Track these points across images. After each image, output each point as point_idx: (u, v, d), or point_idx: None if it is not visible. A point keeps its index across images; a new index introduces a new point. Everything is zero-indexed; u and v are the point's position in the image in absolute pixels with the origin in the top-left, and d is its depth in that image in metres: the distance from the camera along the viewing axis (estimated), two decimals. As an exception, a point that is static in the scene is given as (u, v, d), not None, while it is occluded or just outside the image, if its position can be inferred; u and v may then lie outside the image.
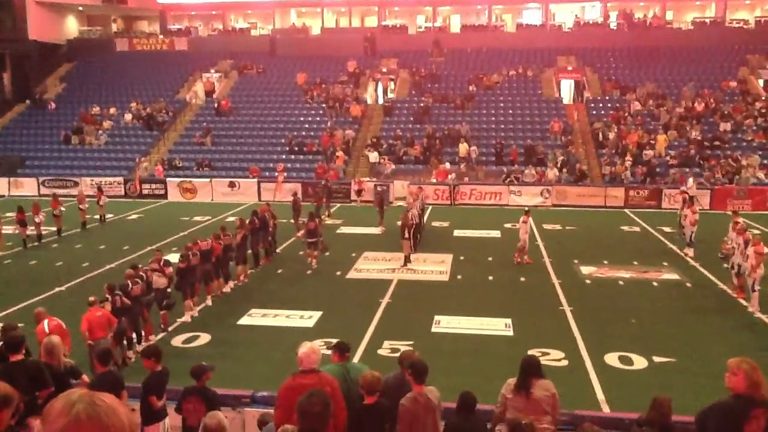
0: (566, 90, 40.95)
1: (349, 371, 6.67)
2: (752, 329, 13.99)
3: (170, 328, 13.73)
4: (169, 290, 13.81)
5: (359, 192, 30.39)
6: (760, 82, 37.36)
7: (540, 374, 6.65)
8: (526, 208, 21.60)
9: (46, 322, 9.76)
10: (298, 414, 4.20)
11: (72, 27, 48.06)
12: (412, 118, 36.66)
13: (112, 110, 38.85)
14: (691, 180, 28.71)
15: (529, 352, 12.28)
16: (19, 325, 12.75)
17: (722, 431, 4.45)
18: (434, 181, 31.20)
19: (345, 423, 5.89)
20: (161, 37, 47.98)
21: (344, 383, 6.22)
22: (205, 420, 4.69)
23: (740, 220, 18.05)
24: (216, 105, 38.60)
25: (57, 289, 16.56)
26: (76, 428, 1.79)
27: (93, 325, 10.92)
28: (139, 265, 13.94)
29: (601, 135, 33.49)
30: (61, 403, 1.83)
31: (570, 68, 40.72)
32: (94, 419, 1.81)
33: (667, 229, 23.56)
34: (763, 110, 34.03)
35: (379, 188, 29.99)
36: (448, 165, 32.01)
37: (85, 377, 7.27)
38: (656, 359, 12.07)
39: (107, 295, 11.66)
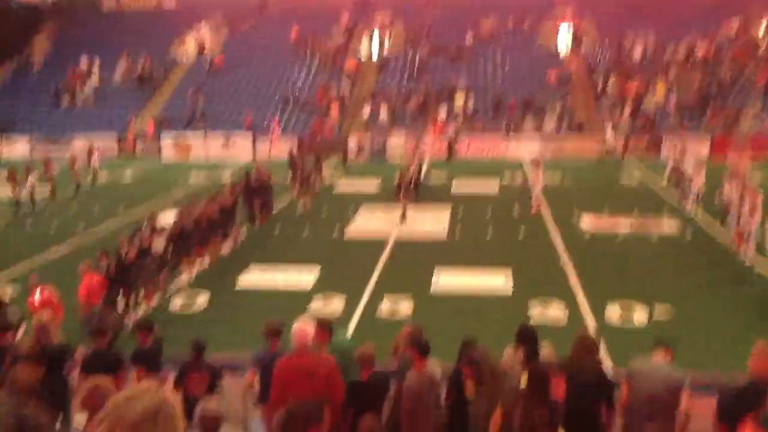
0: (564, 39, 40.13)
1: (341, 350, 6.54)
2: (749, 280, 13.95)
3: (168, 291, 13.62)
4: (168, 253, 13.66)
5: (360, 149, 29.97)
6: (761, 29, 36.60)
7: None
8: (536, 161, 21.47)
9: (37, 292, 9.61)
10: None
11: (57, -14, 46.72)
12: (407, 72, 36.04)
13: (98, 67, 38.01)
14: (609, 125, 29.18)
15: (529, 308, 12.36)
16: (15, 289, 12.75)
17: (735, 416, 4.35)
18: (431, 135, 30.81)
19: (342, 399, 5.82)
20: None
21: (341, 362, 6.10)
22: (199, 411, 4.58)
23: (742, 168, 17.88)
24: (208, 62, 37.88)
25: (53, 251, 16.42)
26: None
27: (90, 292, 10.80)
28: (144, 225, 13.77)
29: (600, 85, 32.99)
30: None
31: (568, 17, 39.85)
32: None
33: (665, 182, 23.37)
34: (765, 58, 33.47)
35: (375, 145, 29.72)
36: (443, 114, 31.61)
37: (80, 351, 7.16)
38: (656, 312, 12.03)
39: (101, 262, 11.50)
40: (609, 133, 28.80)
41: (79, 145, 30.97)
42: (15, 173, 20.99)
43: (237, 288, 13.96)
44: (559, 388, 4.82)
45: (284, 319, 11.65)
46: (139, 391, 2.06)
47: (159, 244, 13.41)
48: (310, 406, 4.12)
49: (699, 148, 27.29)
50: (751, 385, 5.09)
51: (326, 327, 6.75)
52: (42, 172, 22.67)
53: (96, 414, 2.14)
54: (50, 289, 9.91)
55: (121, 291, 12.18)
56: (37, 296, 9.57)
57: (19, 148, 32.65)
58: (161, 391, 2.03)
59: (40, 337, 7.00)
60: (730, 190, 16.45)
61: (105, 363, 6.86)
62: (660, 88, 31.84)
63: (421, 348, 6.13)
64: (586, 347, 6.17)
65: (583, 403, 5.78)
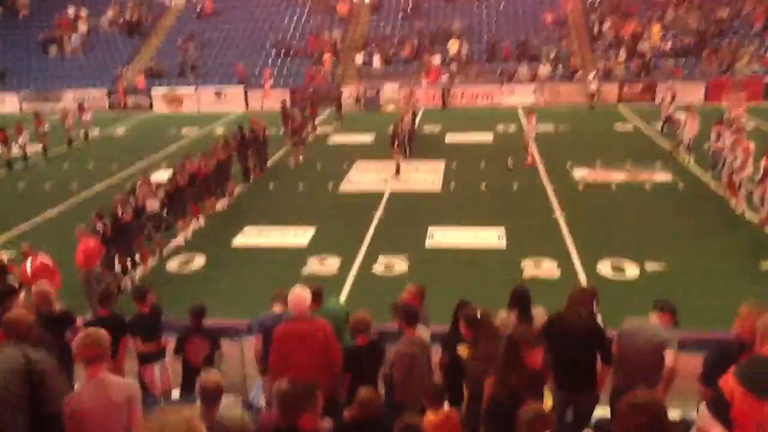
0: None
1: (333, 316, 6.63)
2: (740, 229, 14.11)
3: (165, 252, 13.72)
4: (163, 213, 13.70)
5: (358, 100, 29.65)
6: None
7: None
8: (530, 109, 21.40)
9: (29, 261, 9.63)
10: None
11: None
12: (401, 14, 35.39)
13: (86, 12, 37.18)
14: (592, 74, 28.75)
15: (522, 263, 12.51)
16: (10, 254, 12.81)
17: (715, 372, 4.48)
18: (425, 83, 30.49)
19: (340, 365, 5.94)
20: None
21: (333, 327, 6.20)
22: (200, 381, 4.68)
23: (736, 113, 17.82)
24: (198, 8, 37.08)
25: (47, 213, 16.44)
26: None
27: (88, 255, 10.87)
28: (138, 183, 13.74)
29: (596, 27, 32.48)
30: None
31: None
32: None
33: (660, 126, 23.27)
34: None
35: (368, 93, 29.44)
36: (438, 58, 31.21)
37: (79, 321, 7.24)
38: (648, 266, 12.19)
39: (96, 224, 11.53)
40: (591, 77, 28.52)
41: (69, 99, 30.61)
42: (5, 131, 20.78)
43: (232, 248, 14.04)
44: (535, 357, 4.92)
45: (281, 278, 11.93)
46: (168, 420, 2.16)
47: (154, 204, 13.44)
48: (303, 390, 4.22)
49: (694, 93, 27.15)
50: (734, 347, 5.20)
51: (317, 294, 6.83)
52: (33, 128, 22.49)
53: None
54: (44, 256, 9.93)
55: (117, 252, 12.29)
56: (28, 265, 9.59)
57: (8, 103, 32.19)
58: (190, 419, 2.15)
59: (40, 305, 7.05)
60: (723, 139, 16.40)
61: (109, 329, 6.93)
62: (656, 31, 31.36)
63: (408, 317, 6.24)
64: (578, 301, 6.24)
65: (574, 356, 5.92)
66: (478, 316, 5.98)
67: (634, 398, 3.52)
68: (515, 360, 4.80)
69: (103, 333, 4.57)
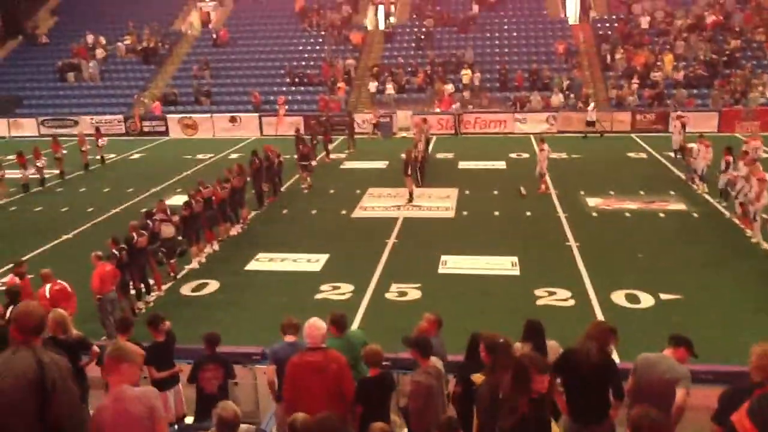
0: (572, 9, 39.66)
1: (353, 345, 6.65)
2: (755, 258, 14.02)
3: (179, 276, 13.80)
4: (179, 238, 13.79)
5: (376, 125, 29.82)
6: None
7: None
8: (541, 137, 21.51)
9: (48, 287, 9.74)
10: None
11: (60, -44, 46.30)
12: (413, 44, 35.79)
13: (104, 40, 37.84)
14: (592, 105, 28.76)
15: (536, 292, 12.47)
16: (27, 277, 12.91)
17: (729, 411, 4.45)
18: (438, 110, 30.70)
19: (353, 396, 5.94)
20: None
21: (351, 356, 6.22)
22: (218, 411, 4.69)
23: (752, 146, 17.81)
24: (213, 36, 37.67)
25: (63, 237, 16.60)
26: None
27: (103, 280, 10.95)
28: (153, 210, 13.84)
29: (608, 57, 32.66)
30: None
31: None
32: None
33: (672, 155, 23.25)
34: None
35: (382, 120, 29.66)
36: (450, 86, 31.45)
37: (96, 348, 7.28)
38: (663, 296, 12.11)
39: (113, 250, 11.64)
40: (591, 108, 28.59)
41: (86, 124, 31.03)
42: (23, 155, 21.08)
43: (246, 273, 14.09)
44: (543, 381, 4.95)
45: (294, 303, 11.94)
46: None
47: (169, 229, 13.55)
48: (335, 423, 4.26)
49: (706, 123, 27.14)
50: (749, 385, 5.16)
51: (340, 321, 6.87)
52: (51, 152, 22.81)
53: None
54: (62, 282, 10.02)
55: (132, 277, 12.37)
56: (47, 290, 9.68)
57: (26, 127, 32.67)
58: None
59: (56, 331, 7.10)
60: (737, 168, 16.37)
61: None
62: (668, 60, 31.48)
63: (422, 349, 6.25)
64: (593, 336, 6.21)
65: (585, 389, 5.90)
66: (499, 342, 5.96)
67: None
68: (524, 383, 4.83)
69: (129, 344, 4.61)
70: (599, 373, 5.93)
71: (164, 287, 13.26)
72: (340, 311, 7.13)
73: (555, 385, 5.94)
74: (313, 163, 21.60)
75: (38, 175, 21.78)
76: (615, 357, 6.63)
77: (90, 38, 37.93)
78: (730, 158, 17.11)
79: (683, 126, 22.49)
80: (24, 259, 14.80)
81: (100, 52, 37.16)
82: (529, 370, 4.87)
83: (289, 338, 6.86)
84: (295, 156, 21.79)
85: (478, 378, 6.09)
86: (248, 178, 17.70)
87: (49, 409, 4.13)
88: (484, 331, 6.58)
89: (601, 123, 28.39)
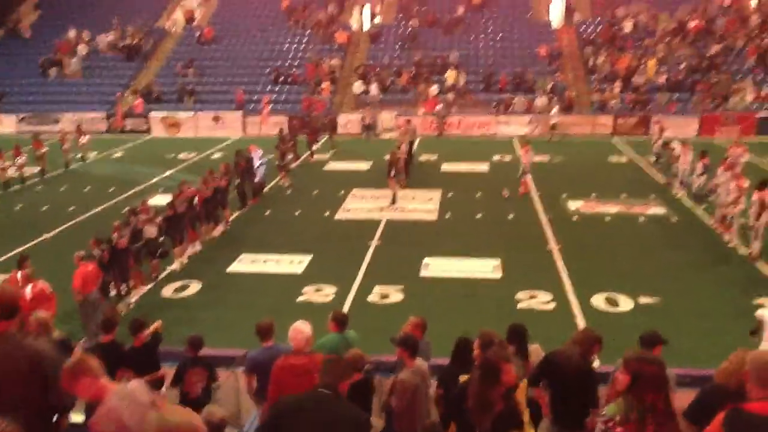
0: (556, 12, 39.85)
1: (348, 342, 6.78)
2: (732, 263, 14.26)
3: (160, 277, 13.74)
4: (161, 239, 13.73)
5: (368, 127, 29.82)
6: (753, 4, 36.41)
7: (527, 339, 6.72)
8: (525, 139, 21.74)
9: (29, 288, 9.67)
10: None
11: (42, -49, 45.83)
12: (399, 44, 35.84)
13: (87, 36, 37.48)
14: (555, 108, 29.14)
15: (517, 295, 12.57)
16: (5, 277, 12.79)
17: (703, 412, 4.52)
18: (422, 111, 30.78)
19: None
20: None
21: (344, 353, 6.28)
22: (205, 416, 4.71)
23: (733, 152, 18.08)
24: (198, 33, 37.46)
25: (44, 236, 16.44)
26: None
27: (86, 280, 10.89)
28: (137, 209, 13.77)
29: (591, 60, 32.92)
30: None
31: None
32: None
33: (653, 159, 23.51)
34: (756, 31, 33.42)
35: (368, 119, 29.71)
36: (435, 87, 31.56)
37: (77, 349, 7.26)
38: (642, 300, 12.27)
39: (94, 250, 11.58)
40: (554, 111, 28.91)
41: (68, 121, 30.75)
42: (2, 153, 20.84)
43: (228, 274, 14.07)
44: (510, 374, 5.03)
45: (277, 305, 11.96)
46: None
47: (152, 230, 13.49)
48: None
49: (687, 127, 27.48)
50: (728, 391, 5.23)
51: (341, 320, 7.06)
52: (31, 150, 22.58)
53: None
54: (43, 282, 9.95)
55: (113, 278, 12.31)
56: (28, 290, 9.61)
57: (5, 124, 32.28)
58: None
59: (41, 334, 7.06)
60: (720, 175, 16.55)
61: (110, 358, 6.93)
62: (651, 65, 31.80)
63: (410, 348, 6.32)
64: (577, 341, 6.29)
65: (565, 393, 6.00)
66: (496, 340, 6.01)
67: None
68: (494, 377, 4.91)
69: (87, 357, 4.48)
70: (579, 379, 6.03)
71: (146, 288, 13.20)
72: (342, 311, 7.30)
73: (541, 386, 6.07)
74: (288, 162, 21.55)
75: (18, 173, 21.54)
76: (596, 363, 6.71)
77: (72, 33, 37.56)
78: (707, 161, 17.39)
79: (661, 130, 22.78)
80: (3, 258, 14.75)
81: (82, 48, 36.81)
82: (498, 363, 4.94)
83: (266, 343, 6.91)
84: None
85: (464, 379, 6.17)
86: (231, 179, 17.63)
87: (50, 395, 4.09)
88: (467, 337, 6.67)
89: (557, 127, 28.57)
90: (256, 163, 19.14)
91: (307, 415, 4.47)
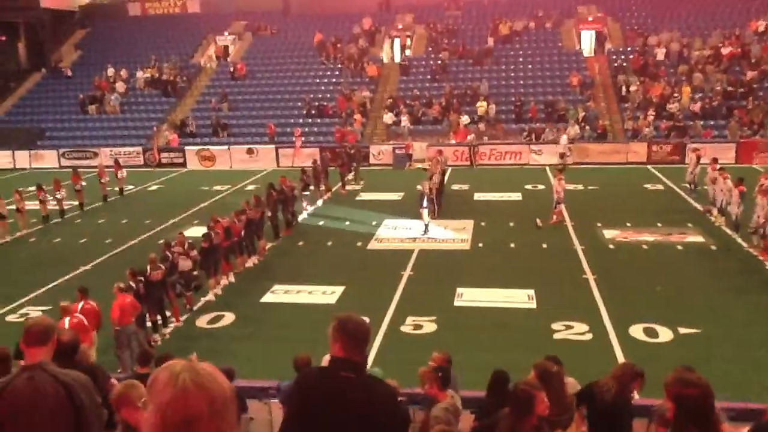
0: (587, 41, 39.90)
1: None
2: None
3: (195, 308, 13.84)
4: (195, 272, 13.86)
5: (410, 156, 30.02)
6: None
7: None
8: (558, 168, 21.59)
9: (67, 319, 9.84)
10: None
11: (83, -8, 47.61)
12: (429, 76, 36.13)
13: (125, 74, 38.58)
14: (564, 137, 28.80)
15: (553, 326, 12.36)
16: (45, 308, 13.06)
17: None
18: (453, 141, 30.85)
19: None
20: (174, -1, 47.40)
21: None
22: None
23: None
24: (231, 69, 38.28)
25: (82, 268, 16.73)
26: (183, 397, 1.81)
27: (123, 311, 11.03)
28: (172, 243, 13.97)
29: (624, 88, 32.73)
30: (166, 374, 1.85)
31: (590, 18, 39.57)
32: (200, 387, 1.83)
33: (688, 186, 23.10)
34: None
35: (397, 151, 29.87)
36: (465, 117, 31.64)
37: (114, 381, 7.30)
38: (681, 330, 11.96)
39: (130, 282, 11.73)
40: (563, 141, 28.77)
41: (105, 156, 31.50)
42: (43, 187, 21.39)
43: (262, 305, 14.12)
44: (544, 403, 4.89)
45: (310, 336, 11.92)
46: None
47: (186, 263, 13.65)
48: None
49: (724, 154, 27.00)
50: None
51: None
52: (71, 184, 23.13)
53: None
54: (80, 316, 10.11)
55: (148, 309, 12.44)
56: (66, 322, 9.76)
57: (47, 159, 33.21)
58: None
59: (79, 362, 7.14)
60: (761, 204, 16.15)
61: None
62: (685, 92, 31.48)
63: (441, 382, 6.25)
64: (616, 375, 6.18)
65: (601, 425, 5.94)
66: (553, 371, 5.91)
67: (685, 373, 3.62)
68: (527, 408, 4.78)
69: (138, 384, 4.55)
70: (614, 412, 5.91)
71: (181, 320, 13.30)
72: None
73: (580, 414, 5.98)
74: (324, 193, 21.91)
75: (58, 207, 22.05)
76: (635, 395, 6.53)
77: (111, 71, 38.69)
78: (744, 189, 17.01)
79: (698, 158, 22.40)
80: (43, 290, 15.04)
81: (120, 85, 37.87)
82: (530, 392, 4.81)
83: None
84: (314, 187, 22.13)
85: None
86: (266, 209, 17.81)
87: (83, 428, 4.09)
88: (504, 370, 6.56)
89: (568, 156, 28.65)
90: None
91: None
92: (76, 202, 23.11)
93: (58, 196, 21.89)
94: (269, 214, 18.22)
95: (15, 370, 3.58)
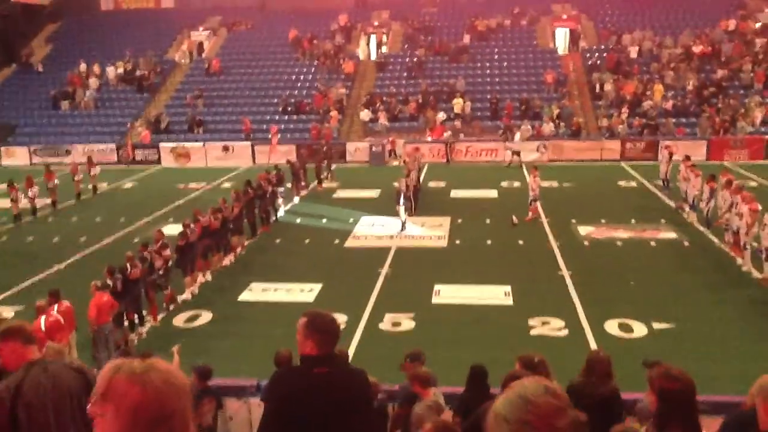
0: (561, 39, 40.26)
1: None
2: (746, 287, 14.12)
3: (171, 307, 13.73)
4: (160, 272, 13.64)
5: (391, 152, 30.03)
6: (758, 26, 36.64)
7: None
8: (534, 165, 21.75)
9: (43, 318, 9.72)
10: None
11: (55, -14, 46.84)
12: (405, 73, 36.17)
13: (98, 69, 38.06)
14: (518, 135, 29.23)
15: (530, 321, 12.49)
16: (18, 308, 12.88)
17: None
18: (429, 139, 30.95)
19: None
20: (147, -6, 46.86)
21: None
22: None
23: (731, 177, 17.96)
24: (206, 65, 37.96)
25: (56, 267, 16.50)
26: (157, 397, 1.78)
27: (101, 310, 10.93)
28: (146, 245, 13.83)
29: (598, 86, 33.09)
30: (125, 375, 1.80)
31: (565, 16, 39.94)
32: (170, 385, 1.81)
33: (660, 183, 23.44)
34: (761, 55, 33.58)
35: (374, 148, 29.90)
36: (442, 114, 31.76)
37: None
38: (656, 325, 12.16)
39: (108, 280, 11.62)
40: (516, 138, 29.09)
41: (78, 153, 31.05)
42: (15, 185, 21.02)
43: (239, 303, 14.07)
44: None
45: (288, 334, 11.91)
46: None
47: (158, 262, 13.51)
48: None
49: (695, 151, 27.43)
50: (752, 416, 5.13)
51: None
52: (43, 181, 22.77)
53: None
54: (56, 315, 9.98)
55: (126, 308, 12.32)
56: (42, 322, 9.64)
57: (18, 156, 32.65)
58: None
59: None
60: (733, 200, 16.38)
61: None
62: (657, 90, 31.93)
63: (423, 381, 6.29)
64: (591, 370, 6.18)
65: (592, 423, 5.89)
66: (536, 361, 5.92)
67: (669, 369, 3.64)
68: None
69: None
70: (606, 407, 5.88)
71: (158, 318, 13.20)
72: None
73: None
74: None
75: (30, 205, 21.70)
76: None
77: (84, 66, 38.13)
78: (714, 186, 17.33)
79: (670, 155, 22.75)
80: (17, 290, 14.82)
81: (93, 81, 37.35)
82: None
83: None
84: (291, 185, 22.05)
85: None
86: (243, 206, 17.71)
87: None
88: (482, 364, 6.60)
89: (518, 155, 28.65)
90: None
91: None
92: (49, 200, 22.75)
93: (30, 194, 21.53)
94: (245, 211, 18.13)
95: (20, 370, 3.57)
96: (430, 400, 6.16)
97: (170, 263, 13.75)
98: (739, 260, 15.24)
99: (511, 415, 1.74)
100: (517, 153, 28.65)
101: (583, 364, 6.21)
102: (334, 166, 27.61)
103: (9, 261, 17.47)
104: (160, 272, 13.29)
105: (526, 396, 1.76)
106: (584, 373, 6.10)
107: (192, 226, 14.72)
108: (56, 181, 23.06)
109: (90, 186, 25.17)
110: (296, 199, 22.89)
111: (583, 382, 5.97)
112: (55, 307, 10.30)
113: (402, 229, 18.74)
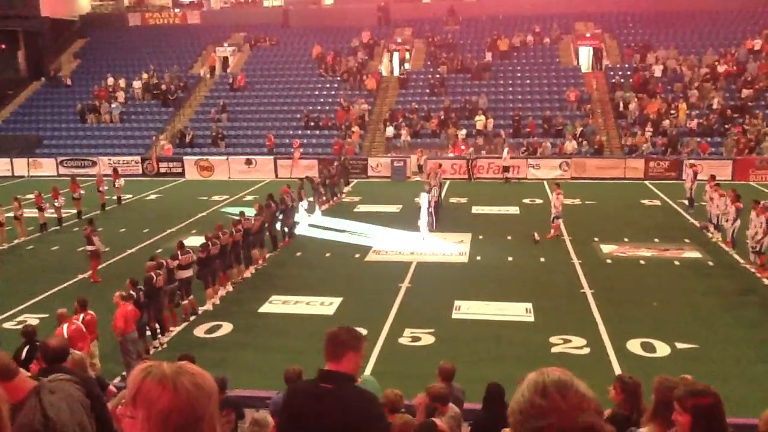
0: (584, 57, 40.17)
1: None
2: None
3: (192, 318, 13.82)
4: (192, 280, 13.83)
5: (420, 167, 30.17)
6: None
7: None
8: (556, 182, 21.68)
9: (65, 326, 9.83)
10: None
11: (84, 2, 47.82)
12: (427, 90, 36.30)
13: (124, 83, 38.69)
14: (505, 151, 29.35)
15: (550, 339, 12.39)
16: (43, 316, 13.03)
17: None
18: (451, 155, 30.97)
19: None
20: (174, 10, 47.66)
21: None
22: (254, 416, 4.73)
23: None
24: (231, 80, 38.41)
25: (80, 276, 16.71)
26: (188, 401, 1.76)
27: (126, 320, 11.03)
28: (168, 256, 13.97)
29: (621, 104, 32.94)
30: (156, 379, 1.78)
31: (588, 34, 39.84)
32: (200, 388, 1.79)
33: (686, 202, 23.20)
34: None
35: (396, 163, 29.97)
36: (464, 131, 31.80)
37: (112, 388, 7.31)
38: (679, 345, 11.99)
39: (131, 291, 11.73)
40: (505, 154, 29.24)
41: (104, 164, 31.51)
42: (41, 196, 21.37)
43: (259, 315, 14.11)
44: None
45: (307, 347, 11.92)
46: None
47: (185, 271, 13.65)
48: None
49: (720, 171, 27.11)
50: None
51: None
52: (69, 192, 23.12)
53: None
54: (78, 323, 10.09)
55: (148, 317, 12.42)
56: (65, 329, 9.75)
57: (46, 167, 33.21)
58: None
59: (72, 371, 7.14)
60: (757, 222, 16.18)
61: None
62: (682, 109, 31.69)
63: (441, 397, 6.26)
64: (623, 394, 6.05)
65: None
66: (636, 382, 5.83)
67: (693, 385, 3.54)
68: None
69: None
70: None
71: (178, 328, 13.29)
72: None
73: None
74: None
75: (56, 215, 22.02)
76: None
77: (110, 80, 38.80)
78: (740, 206, 17.07)
79: (695, 174, 22.51)
80: (41, 298, 15.01)
81: (119, 94, 37.97)
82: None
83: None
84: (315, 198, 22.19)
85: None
86: (266, 220, 17.83)
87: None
88: (498, 383, 6.52)
89: (510, 171, 29.34)
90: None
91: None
92: (74, 210, 23.08)
93: (56, 204, 21.86)
94: (266, 225, 18.25)
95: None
96: (453, 411, 6.14)
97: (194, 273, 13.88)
98: (766, 281, 15.01)
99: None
100: (507, 169, 29.21)
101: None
102: (355, 181, 27.70)
103: (34, 270, 17.72)
104: (194, 278, 13.47)
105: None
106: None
107: (215, 237, 14.82)
108: (82, 191, 23.41)
109: (115, 197, 25.50)
110: (318, 213, 22.98)
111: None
112: (81, 316, 10.45)
113: (423, 245, 18.67)
